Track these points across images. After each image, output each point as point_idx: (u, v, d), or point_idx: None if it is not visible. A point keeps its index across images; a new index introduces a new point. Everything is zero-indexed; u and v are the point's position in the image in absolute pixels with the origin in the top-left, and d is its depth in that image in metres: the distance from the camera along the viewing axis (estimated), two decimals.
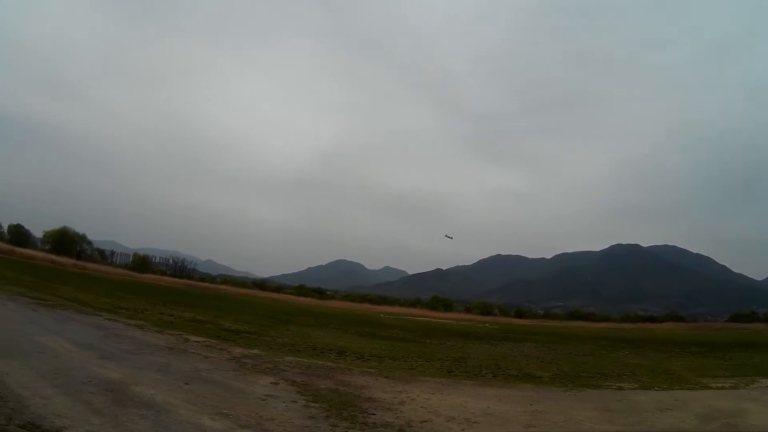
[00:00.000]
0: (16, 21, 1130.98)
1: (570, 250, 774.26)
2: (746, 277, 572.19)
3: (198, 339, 27.12)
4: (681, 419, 17.47)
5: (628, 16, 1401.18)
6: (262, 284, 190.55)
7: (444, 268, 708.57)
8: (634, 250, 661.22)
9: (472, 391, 20.73)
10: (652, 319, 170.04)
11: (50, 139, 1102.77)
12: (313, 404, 14.78)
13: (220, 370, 18.96)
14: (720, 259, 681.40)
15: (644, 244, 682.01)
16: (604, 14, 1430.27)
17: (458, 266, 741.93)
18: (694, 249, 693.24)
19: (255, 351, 25.37)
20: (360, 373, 22.01)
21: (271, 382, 17.70)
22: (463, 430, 13.93)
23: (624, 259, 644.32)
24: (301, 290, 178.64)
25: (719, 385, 26.13)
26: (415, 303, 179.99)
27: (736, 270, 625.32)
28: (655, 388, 24.44)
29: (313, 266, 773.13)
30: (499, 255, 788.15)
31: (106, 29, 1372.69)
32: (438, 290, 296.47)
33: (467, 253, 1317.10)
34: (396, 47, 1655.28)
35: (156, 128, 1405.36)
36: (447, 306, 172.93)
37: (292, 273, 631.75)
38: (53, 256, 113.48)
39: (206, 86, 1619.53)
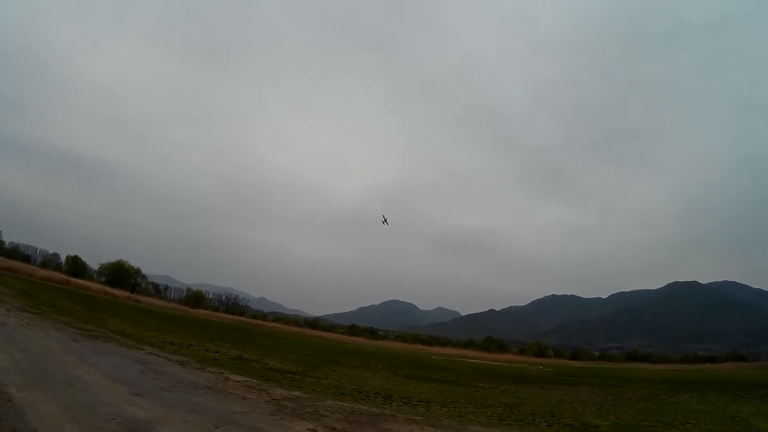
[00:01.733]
0: (84, 63, 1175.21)
1: (626, 288, 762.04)
2: None
3: (239, 378, 26.09)
4: None
5: (683, 41, 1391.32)
6: (313, 323, 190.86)
7: (497, 308, 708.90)
8: (692, 287, 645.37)
9: None
10: (712, 360, 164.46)
11: (111, 176, 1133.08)
12: None
13: (256, 413, 17.80)
14: None
15: (703, 281, 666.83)
16: (657, 41, 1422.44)
17: (512, 307, 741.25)
18: (755, 284, 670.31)
19: (297, 393, 24.18)
20: (405, 421, 20.66)
21: (308, 429, 16.47)
22: None
23: (683, 298, 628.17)
24: (352, 330, 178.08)
25: None
26: (468, 344, 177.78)
27: None
28: None
29: (365, 306, 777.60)
30: (554, 295, 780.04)
31: (169, 73, 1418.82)
32: (491, 331, 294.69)
33: (521, 293, 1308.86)
34: (452, 86, 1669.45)
35: (215, 168, 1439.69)
36: (500, 347, 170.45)
37: (345, 312, 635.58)
38: (107, 288, 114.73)
39: (263, 127, 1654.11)
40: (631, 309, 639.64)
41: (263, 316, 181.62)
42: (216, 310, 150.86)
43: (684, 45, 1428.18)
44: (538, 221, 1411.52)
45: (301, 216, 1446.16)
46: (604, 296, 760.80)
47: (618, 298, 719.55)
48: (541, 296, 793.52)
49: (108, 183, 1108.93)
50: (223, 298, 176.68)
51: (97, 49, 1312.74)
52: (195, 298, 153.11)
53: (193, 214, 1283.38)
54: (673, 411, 33.37)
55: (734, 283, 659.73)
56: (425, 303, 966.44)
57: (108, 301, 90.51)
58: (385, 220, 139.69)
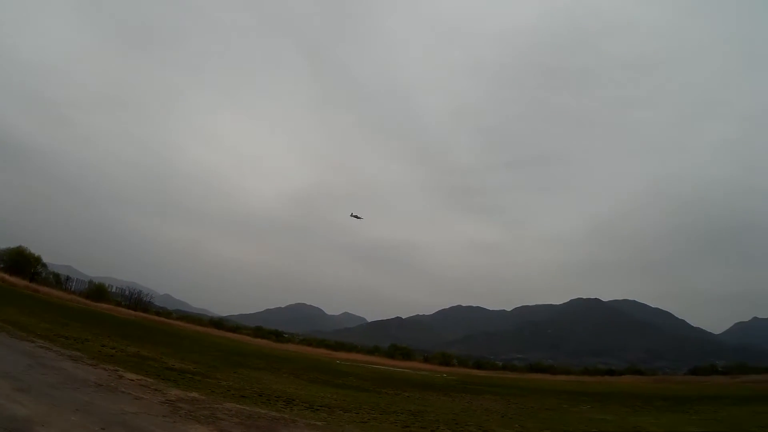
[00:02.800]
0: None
1: (531, 302, 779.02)
2: (704, 331, 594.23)
3: (134, 377, 24.86)
4: None
5: (609, 76, 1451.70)
6: (218, 323, 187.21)
7: (404, 316, 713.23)
8: (594, 304, 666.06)
9: None
10: (611, 373, 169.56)
11: (18, 155, 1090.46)
12: None
13: (147, 415, 16.75)
14: (679, 313, 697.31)
15: (604, 299, 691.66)
16: (580, 75, 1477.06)
17: (418, 315, 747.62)
18: (653, 304, 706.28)
19: (194, 394, 23.16)
20: (306, 426, 20.07)
21: None
22: None
23: (584, 313, 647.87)
24: (258, 331, 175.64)
25: None
26: (374, 350, 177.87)
27: (694, 324, 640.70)
28: None
29: (272, 308, 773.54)
30: (459, 306, 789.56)
31: (94, 54, 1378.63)
32: (397, 339, 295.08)
33: (428, 302, 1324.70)
34: (377, 97, 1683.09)
35: (130, 156, 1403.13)
36: (405, 355, 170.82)
37: (251, 313, 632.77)
38: (5, 275, 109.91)
39: (185, 119, 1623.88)
40: (534, 322, 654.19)
41: (167, 314, 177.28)
42: (119, 304, 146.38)
43: (604, 81, 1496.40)
44: (449, 235, 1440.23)
45: (214, 213, 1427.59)
46: (509, 309, 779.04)
47: (522, 311, 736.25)
48: (447, 306, 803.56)
49: (14, 162, 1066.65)
50: (127, 292, 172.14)
51: (19, 20, 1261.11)
52: (97, 292, 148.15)
53: (101, 202, 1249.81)
54: (575, 420, 33.93)
55: (634, 302, 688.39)
56: (332, 308, 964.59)
57: (4, 289, 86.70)
58: (356, 215, 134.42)
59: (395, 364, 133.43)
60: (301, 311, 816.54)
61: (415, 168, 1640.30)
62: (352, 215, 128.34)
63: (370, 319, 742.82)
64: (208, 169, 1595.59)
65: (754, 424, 32.98)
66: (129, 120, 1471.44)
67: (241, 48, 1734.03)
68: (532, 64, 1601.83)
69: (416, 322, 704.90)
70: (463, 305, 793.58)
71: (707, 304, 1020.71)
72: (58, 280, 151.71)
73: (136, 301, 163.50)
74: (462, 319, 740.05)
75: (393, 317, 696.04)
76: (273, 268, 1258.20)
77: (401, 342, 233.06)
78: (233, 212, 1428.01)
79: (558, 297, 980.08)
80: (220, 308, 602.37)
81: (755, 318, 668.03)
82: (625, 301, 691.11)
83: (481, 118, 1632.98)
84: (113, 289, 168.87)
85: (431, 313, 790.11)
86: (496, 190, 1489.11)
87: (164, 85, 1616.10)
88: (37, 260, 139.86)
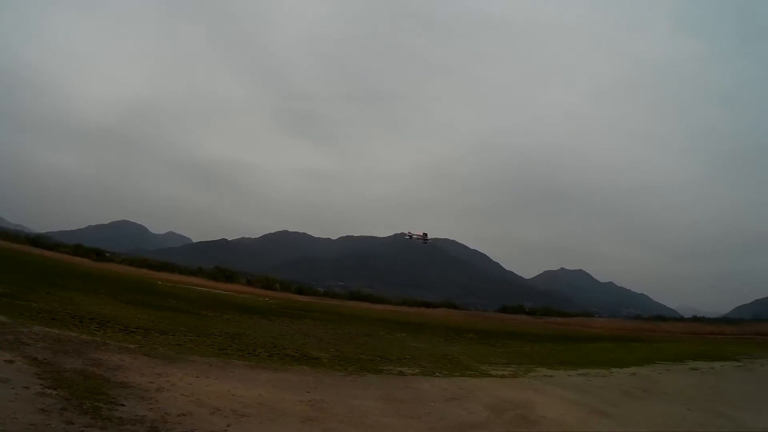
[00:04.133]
0: None
1: (356, 233, 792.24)
2: (516, 275, 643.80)
3: None
4: (470, 410, 17.02)
5: (465, 28, 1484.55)
6: (35, 240, 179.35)
7: (229, 238, 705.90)
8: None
9: (243, 375, 19.14)
10: (428, 305, 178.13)
11: None
12: (50, 391, 12.06)
13: None
14: (494, 257, 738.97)
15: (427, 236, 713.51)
16: (441, 23, 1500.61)
17: (244, 238, 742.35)
18: (472, 245, 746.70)
19: None
20: (118, 350, 19.55)
21: (5, 360, 14.65)
22: (228, 425, 12.08)
23: (406, 248, 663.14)
24: (77, 250, 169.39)
25: (499, 373, 26.90)
26: (197, 272, 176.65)
27: (508, 268, 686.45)
28: (437, 374, 24.59)
29: (94, 224, 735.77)
30: (286, 231, 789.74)
31: None
32: (222, 261, 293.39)
33: (254, 226, 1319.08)
34: (228, 11, 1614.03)
35: None
36: (229, 277, 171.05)
37: (72, 230, 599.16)
38: None
39: (14, 15, 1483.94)
40: (358, 253, 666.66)
41: None
42: None
43: (463, 34, 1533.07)
44: (282, 159, 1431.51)
45: (36, 116, 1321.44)
46: (334, 238, 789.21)
47: (347, 241, 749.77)
48: (273, 231, 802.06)
49: None
50: None
51: None
52: None
53: None
54: (390, 347, 35.42)
55: (454, 241, 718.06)
56: (157, 227, 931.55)
57: None
58: (420, 236, 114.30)
59: (218, 286, 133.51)
60: (124, 229, 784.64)
61: (257, 88, 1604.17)
62: (411, 237, 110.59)
63: (195, 239, 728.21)
64: (34, 68, 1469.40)
65: (554, 359, 36.22)
66: None
67: None
68: (391, 3, 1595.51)
69: (242, 245, 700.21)
70: (290, 231, 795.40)
71: (521, 252, 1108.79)
72: None
73: None
74: (287, 244, 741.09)
75: (219, 239, 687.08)
76: (97, 182, 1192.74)
77: (226, 264, 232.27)
78: (57, 118, 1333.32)
79: (383, 230, 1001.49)
80: (39, 224, 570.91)
81: (562, 268, 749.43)
82: (446, 240, 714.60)
83: (330, 46, 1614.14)
84: None
85: (257, 236, 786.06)
86: (336, 120, 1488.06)
87: None
88: None
